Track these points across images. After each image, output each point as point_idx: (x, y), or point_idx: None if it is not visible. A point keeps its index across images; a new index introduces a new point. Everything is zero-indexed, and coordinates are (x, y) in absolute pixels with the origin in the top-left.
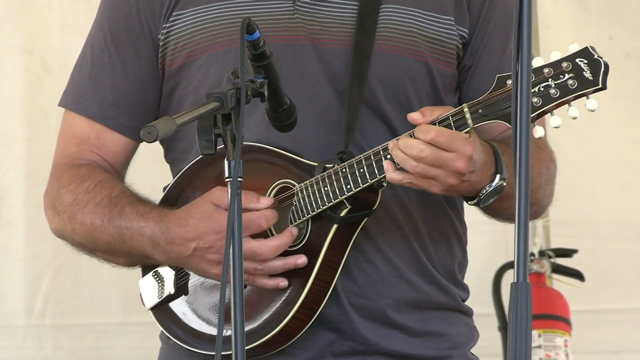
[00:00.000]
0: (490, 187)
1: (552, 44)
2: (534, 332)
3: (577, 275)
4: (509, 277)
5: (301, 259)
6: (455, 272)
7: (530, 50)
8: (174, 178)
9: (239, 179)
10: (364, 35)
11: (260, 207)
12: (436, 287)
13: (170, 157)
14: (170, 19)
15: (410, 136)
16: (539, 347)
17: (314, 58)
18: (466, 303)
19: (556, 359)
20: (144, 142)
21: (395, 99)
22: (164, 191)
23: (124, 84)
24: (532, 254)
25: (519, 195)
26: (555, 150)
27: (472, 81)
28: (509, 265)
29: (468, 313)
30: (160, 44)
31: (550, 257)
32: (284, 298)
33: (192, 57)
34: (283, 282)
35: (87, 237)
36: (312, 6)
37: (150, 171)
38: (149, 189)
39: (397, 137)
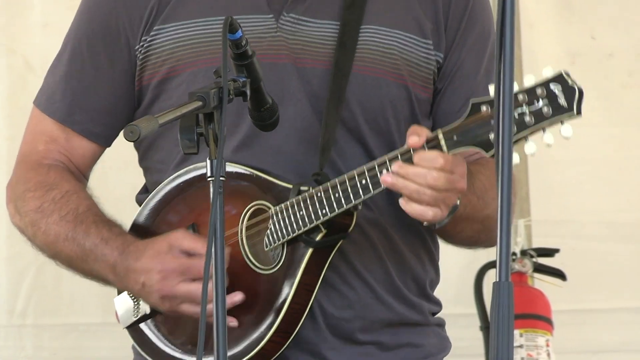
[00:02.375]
0: None
1: (534, 42)
2: (516, 332)
3: (559, 274)
4: (491, 276)
5: (237, 297)
6: (427, 289)
7: (512, 51)
8: (149, 192)
9: (221, 178)
10: (344, 53)
11: (202, 252)
12: (409, 307)
13: (145, 164)
14: (151, 33)
15: (405, 160)
16: (521, 346)
17: (295, 77)
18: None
19: (538, 359)
20: (127, 141)
21: (374, 122)
22: (137, 202)
23: (95, 90)
24: (514, 254)
25: (501, 194)
26: (538, 150)
27: (440, 104)
28: (490, 265)
29: (440, 324)
30: (140, 56)
31: (532, 256)
32: (260, 322)
33: (173, 72)
34: (233, 322)
35: (49, 246)
36: (294, 24)
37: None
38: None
39: (379, 160)
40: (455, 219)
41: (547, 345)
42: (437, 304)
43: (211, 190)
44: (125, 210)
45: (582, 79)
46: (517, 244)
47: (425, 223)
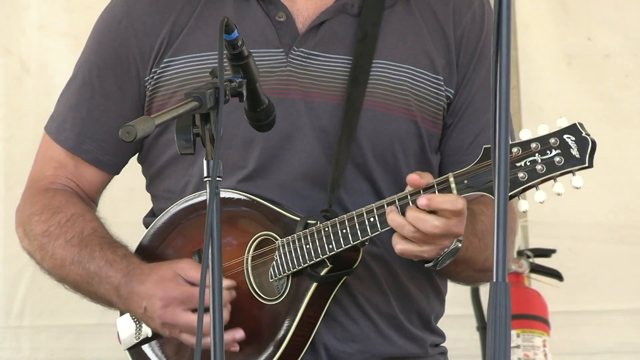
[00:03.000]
0: (448, 248)
1: (530, 44)
2: (513, 332)
3: (556, 275)
4: None
5: (239, 334)
6: (431, 323)
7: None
8: (156, 217)
9: (217, 179)
10: (357, 88)
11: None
12: (411, 341)
13: (153, 191)
14: (161, 65)
15: (413, 201)
16: (518, 347)
17: (304, 112)
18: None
19: (535, 359)
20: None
21: (382, 158)
22: (144, 224)
23: (104, 119)
24: None
25: (498, 196)
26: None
27: (449, 140)
28: None
29: (442, 352)
30: (149, 87)
31: (528, 257)
32: (261, 353)
33: None
34: (234, 347)
35: (56, 270)
36: (304, 59)
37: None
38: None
39: (388, 200)
40: (455, 261)
41: (544, 346)
42: (441, 335)
43: (207, 190)
44: (121, 214)
45: (578, 80)
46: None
47: (425, 265)
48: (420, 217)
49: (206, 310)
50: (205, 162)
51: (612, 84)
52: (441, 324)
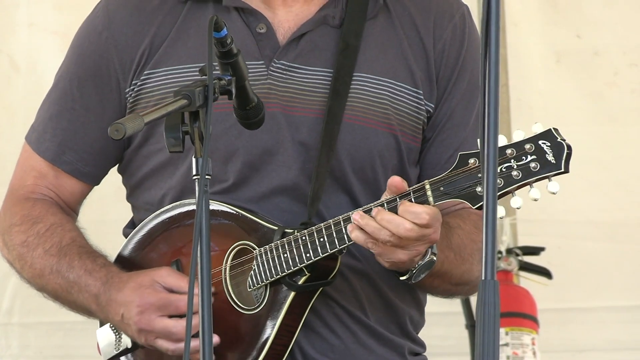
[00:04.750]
0: (422, 261)
1: (519, 42)
2: (502, 330)
3: (545, 273)
4: None
5: (213, 339)
6: (411, 332)
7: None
8: (136, 228)
9: (206, 177)
10: (337, 101)
11: (186, 290)
12: (391, 349)
13: (133, 202)
14: (142, 77)
15: (389, 209)
16: (507, 344)
17: (284, 126)
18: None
19: (523, 357)
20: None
21: (361, 172)
22: (124, 235)
23: (85, 131)
24: (500, 252)
25: (487, 193)
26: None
27: (428, 154)
28: None
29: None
30: (130, 99)
31: (517, 254)
32: None
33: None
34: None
35: (35, 280)
36: (285, 71)
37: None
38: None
39: (364, 208)
40: (431, 274)
41: (533, 344)
42: (421, 345)
43: (196, 189)
44: (109, 212)
45: (567, 78)
46: (503, 243)
47: (401, 278)
48: (395, 220)
49: (183, 316)
50: (194, 159)
51: (601, 81)
52: (430, 322)
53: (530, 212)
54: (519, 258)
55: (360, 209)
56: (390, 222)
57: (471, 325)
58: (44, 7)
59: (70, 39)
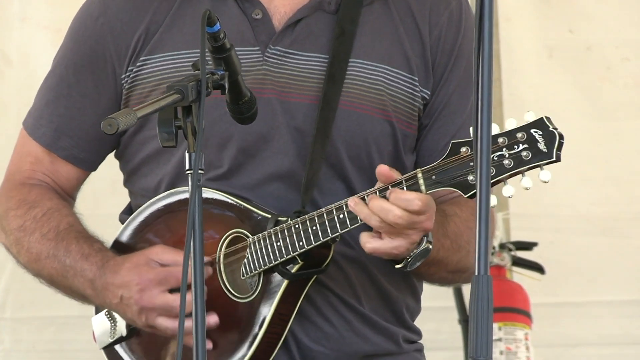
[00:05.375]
0: (417, 249)
1: (512, 37)
2: (495, 325)
3: (538, 268)
4: None
5: (212, 319)
6: (406, 320)
7: (491, 45)
8: (133, 214)
9: (199, 171)
10: (333, 87)
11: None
12: (386, 337)
13: (130, 187)
14: (138, 63)
15: (382, 197)
16: (500, 340)
17: (279, 112)
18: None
19: (516, 352)
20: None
21: (357, 159)
22: (120, 221)
23: (81, 117)
24: (493, 247)
25: (480, 190)
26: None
27: (424, 141)
28: None
29: (419, 349)
30: (126, 85)
31: (510, 249)
32: (235, 350)
33: None
34: (208, 345)
35: (32, 264)
36: (281, 57)
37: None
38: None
39: (358, 195)
40: (427, 262)
41: (526, 339)
42: (417, 333)
43: (189, 183)
44: (103, 206)
45: (559, 72)
46: (496, 238)
47: (396, 266)
48: (384, 206)
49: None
50: (187, 154)
51: (594, 76)
52: (423, 316)
53: (523, 207)
54: (512, 253)
55: (356, 196)
56: (381, 209)
57: (464, 320)
58: (37, 2)
59: (63, 34)
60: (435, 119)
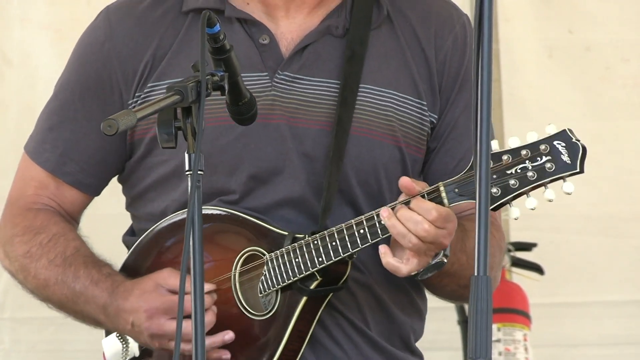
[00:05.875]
0: (432, 261)
1: (511, 37)
2: (493, 326)
3: (537, 268)
4: None
5: (228, 335)
6: (411, 343)
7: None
8: (136, 235)
9: (199, 172)
10: (346, 110)
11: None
12: None
13: (133, 212)
14: (145, 90)
15: (409, 209)
16: (499, 340)
17: (289, 138)
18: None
19: (515, 353)
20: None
21: (366, 184)
22: (124, 243)
23: (86, 142)
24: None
25: (479, 191)
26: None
27: (433, 164)
28: None
29: None
30: None
31: (509, 250)
32: None
33: None
34: (226, 355)
35: (40, 290)
36: (290, 83)
37: None
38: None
39: (390, 206)
40: (440, 274)
41: (525, 340)
42: (419, 356)
43: (189, 183)
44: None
45: (559, 73)
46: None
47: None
48: (415, 217)
49: (188, 316)
50: (187, 155)
51: (593, 76)
52: None
53: (522, 207)
54: (511, 254)
55: (373, 212)
56: (409, 219)
57: (463, 321)
58: (37, 2)
59: (63, 35)
60: (444, 142)
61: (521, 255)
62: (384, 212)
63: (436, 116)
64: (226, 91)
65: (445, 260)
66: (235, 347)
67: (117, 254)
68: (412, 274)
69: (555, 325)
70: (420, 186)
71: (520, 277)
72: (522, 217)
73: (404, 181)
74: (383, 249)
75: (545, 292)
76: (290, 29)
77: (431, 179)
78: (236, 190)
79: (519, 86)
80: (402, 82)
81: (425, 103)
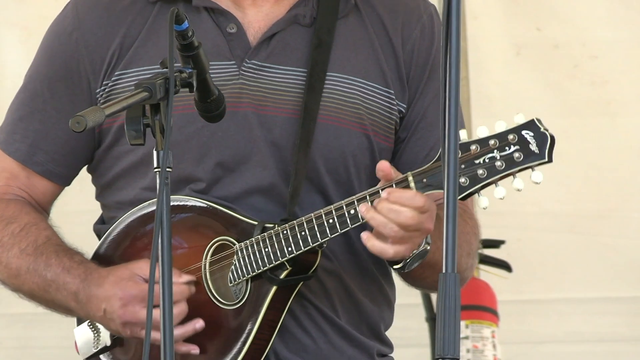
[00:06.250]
0: (417, 250)
1: (479, 34)
2: (462, 323)
3: (504, 266)
4: None
5: (199, 324)
6: (381, 332)
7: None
8: (106, 224)
9: (167, 170)
10: (313, 97)
11: (179, 281)
12: (361, 351)
13: (103, 201)
14: (113, 78)
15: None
16: (467, 338)
17: (256, 126)
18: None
19: (483, 350)
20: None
21: (335, 172)
22: (95, 231)
23: (56, 132)
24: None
25: (447, 189)
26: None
27: (403, 154)
28: None
29: None
30: (101, 100)
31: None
32: (223, 356)
33: None
34: (195, 350)
35: (11, 279)
36: (257, 71)
37: None
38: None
39: (346, 201)
40: (422, 265)
41: (493, 337)
42: (389, 346)
43: (157, 181)
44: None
45: (527, 70)
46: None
47: (394, 267)
48: (394, 207)
49: (159, 306)
50: (155, 152)
51: (561, 74)
52: None
53: (489, 204)
54: (479, 251)
55: (342, 201)
56: (390, 211)
57: (432, 318)
58: (5, 0)
59: (31, 32)
60: (413, 131)
61: (489, 252)
62: (362, 207)
63: (405, 105)
64: (194, 88)
65: (428, 248)
66: (206, 337)
67: (85, 250)
68: (398, 267)
69: (523, 322)
70: (397, 173)
71: (488, 275)
72: (489, 214)
73: (383, 165)
74: (365, 235)
75: (513, 289)
76: (257, 17)
77: (402, 169)
78: (203, 178)
79: (486, 84)
80: (370, 71)
81: (393, 92)
